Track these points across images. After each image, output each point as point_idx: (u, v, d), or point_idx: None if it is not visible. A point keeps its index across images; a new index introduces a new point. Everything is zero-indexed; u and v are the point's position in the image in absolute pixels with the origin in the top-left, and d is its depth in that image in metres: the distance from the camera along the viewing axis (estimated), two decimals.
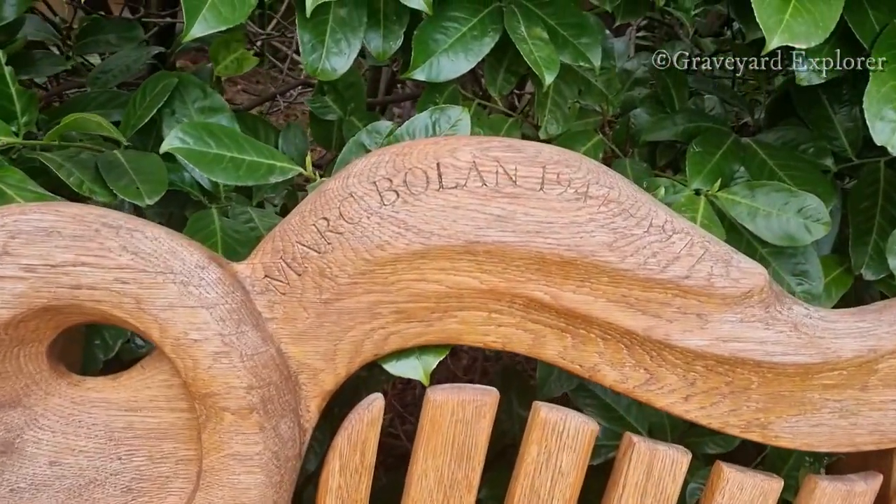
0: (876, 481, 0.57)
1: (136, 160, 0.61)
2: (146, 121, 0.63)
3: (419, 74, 0.63)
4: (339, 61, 0.61)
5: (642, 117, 0.83)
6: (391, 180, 0.49)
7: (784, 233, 0.66)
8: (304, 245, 0.49)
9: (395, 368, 0.53)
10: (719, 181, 0.69)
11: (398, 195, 0.49)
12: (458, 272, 0.50)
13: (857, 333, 0.54)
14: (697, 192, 0.70)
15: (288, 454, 0.50)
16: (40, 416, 0.48)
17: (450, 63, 0.63)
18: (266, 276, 0.50)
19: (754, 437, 0.55)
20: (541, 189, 0.49)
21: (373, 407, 0.51)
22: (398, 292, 0.50)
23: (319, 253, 0.49)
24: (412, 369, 0.53)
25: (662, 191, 0.66)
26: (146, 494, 0.50)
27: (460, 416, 0.51)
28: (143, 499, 0.50)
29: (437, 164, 0.49)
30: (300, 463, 0.52)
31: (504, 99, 0.79)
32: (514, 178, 0.49)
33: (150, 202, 0.58)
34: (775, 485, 0.55)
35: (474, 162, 0.49)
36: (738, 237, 0.70)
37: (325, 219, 0.49)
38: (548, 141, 0.73)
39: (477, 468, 0.52)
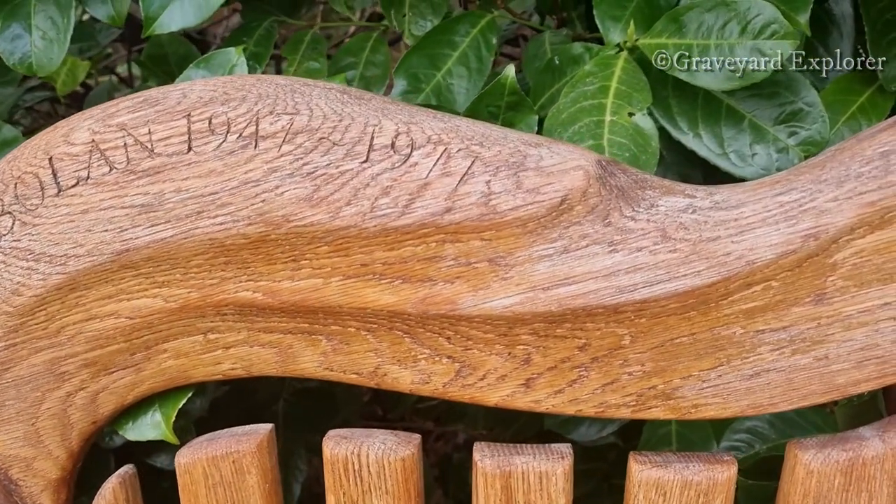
0: (893, 436, 0.35)
1: None
2: None
3: (166, 26, 0.48)
4: (52, 50, 0.48)
5: None
6: (2, 200, 0.35)
7: (731, 70, 0.44)
8: None
9: (134, 433, 0.39)
10: (632, 25, 0.48)
11: (14, 218, 0.35)
12: (130, 295, 0.35)
13: (778, 215, 0.32)
14: (619, 47, 0.48)
15: None
16: None
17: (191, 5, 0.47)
18: None
19: (658, 413, 0.35)
20: (189, 150, 0.33)
21: (106, 492, 0.38)
22: (71, 342, 0.36)
23: None
24: (153, 428, 0.39)
25: (511, 70, 0.46)
26: None
27: (217, 478, 0.37)
28: None
29: (49, 160, 0.34)
30: None
31: (357, 12, 0.62)
32: (149, 145, 0.33)
33: None
34: (722, 473, 0.35)
35: (93, 140, 0.34)
36: (692, 96, 0.48)
37: None
38: None
39: None
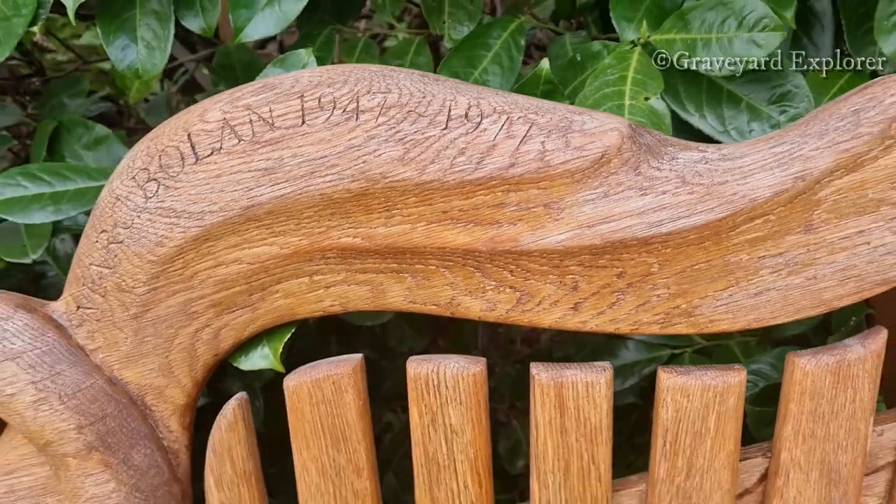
0: (877, 339, 0.43)
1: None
2: None
3: (251, 35, 0.56)
4: (156, 56, 0.57)
5: None
6: (148, 169, 0.43)
7: (732, 56, 0.53)
8: (96, 265, 0.45)
9: (247, 363, 0.47)
10: (644, 24, 0.57)
11: (158, 183, 0.43)
12: (252, 244, 0.44)
13: (772, 162, 0.41)
14: (633, 44, 0.57)
15: (152, 483, 0.46)
16: None
17: (276, 15, 0.56)
18: (79, 307, 0.46)
19: (682, 329, 0.43)
20: (303, 123, 0.42)
21: (227, 412, 0.46)
22: (202, 285, 0.45)
23: (111, 269, 0.45)
24: (262, 359, 0.47)
25: (545, 63, 0.55)
26: None
27: (320, 397, 0.45)
28: None
29: (188, 136, 0.43)
30: (182, 485, 0.48)
31: (399, 20, 0.70)
32: (270, 120, 0.42)
33: (34, 257, 0.57)
34: (734, 378, 0.43)
35: (224, 119, 0.42)
36: (697, 83, 0.56)
37: (104, 231, 0.45)
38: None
39: (360, 448, 0.45)
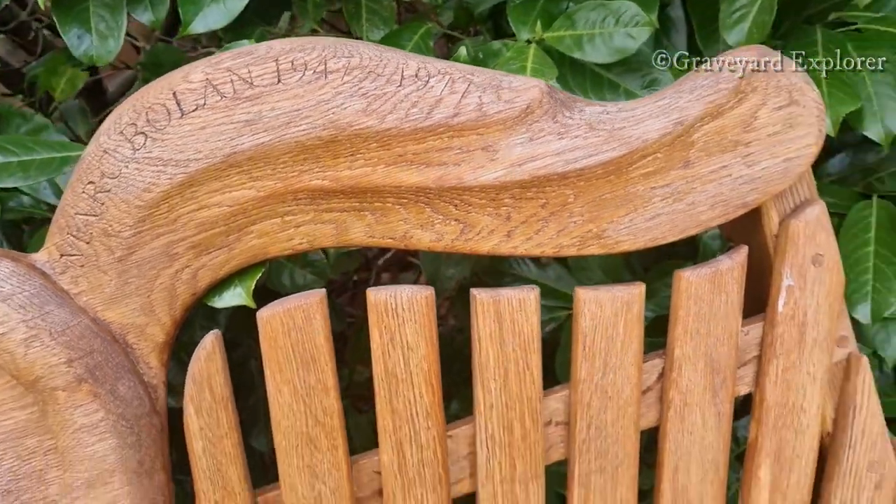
0: (741, 253, 0.55)
1: None
2: None
3: (198, 27, 0.63)
4: (109, 43, 0.62)
5: None
6: (135, 124, 0.49)
7: (612, 49, 0.64)
8: (82, 214, 0.50)
9: (221, 301, 0.53)
10: (539, 24, 0.68)
11: (146, 136, 0.49)
12: (232, 188, 0.50)
13: (657, 112, 0.52)
14: (529, 42, 0.68)
15: (136, 413, 0.51)
16: None
17: (222, 9, 0.63)
18: (62, 255, 0.51)
19: (594, 250, 0.53)
20: (279, 82, 0.49)
21: (206, 343, 0.52)
22: (184, 227, 0.50)
23: (97, 216, 0.50)
24: (236, 297, 0.53)
25: (463, 49, 0.64)
26: (27, 492, 0.52)
27: (292, 324, 0.51)
28: (25, 496, 0.52)
29: (174, 94, 0.49)
30: (161, 418, 0.53)
31: (322, 24, 0.79)
32: (250, 80, 0.49)
33: None
34: (636, 291, 0.53)
35: (207, 79, 0.49)
36: (582, 72, 0.68)
37: (91, 182, 0.50)
38: None
39: (327, 369, 0.52)
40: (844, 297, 0.59)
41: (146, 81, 0.78)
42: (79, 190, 0.50)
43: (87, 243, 0.50)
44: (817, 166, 0.82)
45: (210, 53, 0.89)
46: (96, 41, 0.62)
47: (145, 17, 0.64)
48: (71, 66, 0.78)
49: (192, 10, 0.63)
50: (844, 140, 0.86)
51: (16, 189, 0.66)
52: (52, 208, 0.66)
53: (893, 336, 0.78)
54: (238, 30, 0.73)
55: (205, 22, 0.63)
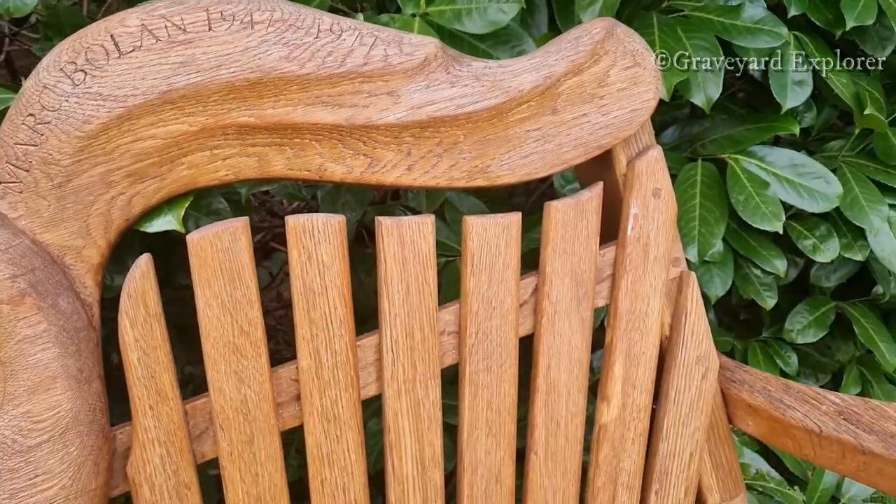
0: (598, 187, 0.66)
1: None
2: None
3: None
4: None
5: None
6: (75, 63, 0.54)
7: (486, 22, 0.75)
8: (21, 144, 0.54)
9: (153, 227, 0.59)
10: (423, 0, 0.77)
11: (86, 73, 0.54)
12: (167, 122, 0.56)
13: (531, 68, 0.63)
14: (413, 15, 0.77)
15: (76, 325, 0.56)
16: None
17: None
18: (0, 182, 0.55)
19: (481, 182, 0.63)
20: (210, 29, 0.56)
21: (141, 262, 0.57)
22: (121, 157, 0.56)
23: (37, 146, 0.54)
24: (167, 223, 0.59)
25: (360, 15, 0.73)
26: None
27: (219, 245, 0.58)
28: None
29: (111, 36, 0.55)
30: (97, 333, 0.58)
31: None
32: (182, 27, 0.55)
33: None
34: (514, 218, 0.64)
35: (143, 24, 0.55)
36: (461, 43, 0.78)
37: (31, 115, 0.54)
38: None
39: (251, 285, 0.59)
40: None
41: (48, 40, 0.81)
42: (18, 122, 0.54)
43: (27, 171, 0.55)
44: (655, 137, 0.96)
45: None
46: None
47: None
48: None
49: None
50: (675, 115, 1.02)
51: None
52: None
53: (716, 277, 0.93)
54: None
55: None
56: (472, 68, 0.61)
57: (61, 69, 0.54)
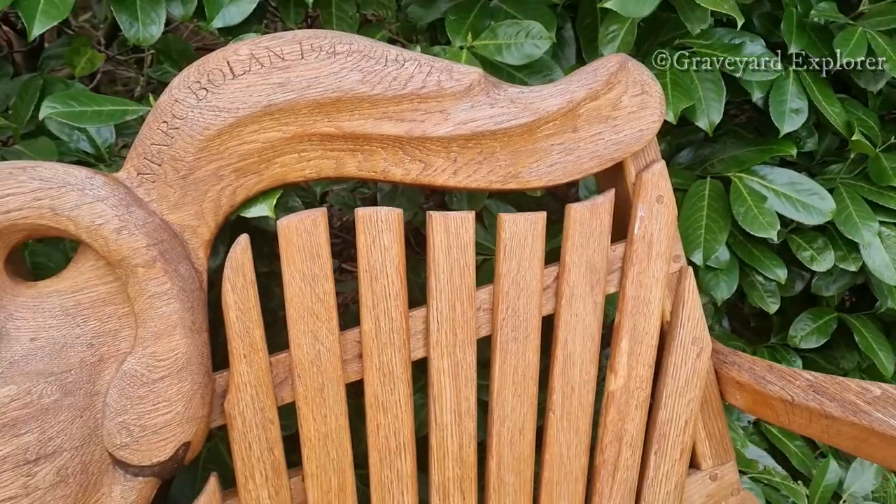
0: (610, 193, 0.80)
1: (30, 144, 0.82)
2: (30, 114, 0.84)
3: (217, 24, 0.84)
4: (152, 28, 0.82)
5: (415, 11, 1.05)
6: (199, 82, 0.70)
7: (523, 54, 0.89)
8: (156, 144, 0.70)
9: (251, 213, 0.74)
10: (470, 35, 0.92)
11: (207, 91, 0.70)
12: (266, 130, 0.72)
13: (556, 93, 0.77)
14: (461, 48, 0.92)
15: (191, 287, 0.71)
16: (14, 311, 0.69)
17: (237, 9, 0.84)
18: (138, 173, 0.71)
19: (513, 185, 0.77)
20: (302, 58, 0.71)
21: (241, 240, 0.72)
22: (230, 156, 0.71)
23: (168, 146, 0.70)
24: (262, 210, 0.74)
25: (418, 47, 0.88)
26: (105, 345, 0.71)
27: (302, 229, 0.73)
28: (104, 349, 0.71)
29: (227, 62, 0.70)
30: (205, 294, 0.73)
31: (299, 26, 1.01)
32: (282, 56, 0.71)
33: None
34: (540, 215, 0.78)
35: (252, 53, 0.71)
36: (500, 72, 0.92)
37: (164, 122, 0.70)
38: None
39: (326, 263, 0.74)
40: (685, 246, 0.86)
41: (160, 63, 0.98)
42: (154, 127, 0.70)
43: (159, 165, 0.70)
44: (672, 158, 1.10)
45: (202, 45, 1.10)
46: (142, 27, 0.82)
47: (178, 11, 0.84)
48: (90, 48, 0.97)
49: (214, 8, 0.84)
50: (690, 139, 1.15)
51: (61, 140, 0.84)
52: (93, 155, 0.85)
53: (722, 282, 1.06)
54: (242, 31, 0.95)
55: (223, 19, 0.84)
56: (508, 93, 0.76)
57: (188, 87, 0.70)
